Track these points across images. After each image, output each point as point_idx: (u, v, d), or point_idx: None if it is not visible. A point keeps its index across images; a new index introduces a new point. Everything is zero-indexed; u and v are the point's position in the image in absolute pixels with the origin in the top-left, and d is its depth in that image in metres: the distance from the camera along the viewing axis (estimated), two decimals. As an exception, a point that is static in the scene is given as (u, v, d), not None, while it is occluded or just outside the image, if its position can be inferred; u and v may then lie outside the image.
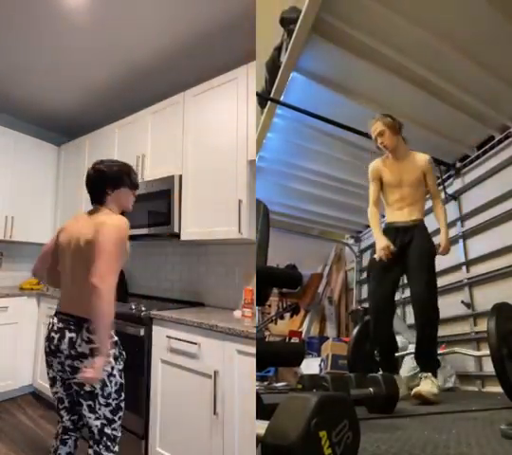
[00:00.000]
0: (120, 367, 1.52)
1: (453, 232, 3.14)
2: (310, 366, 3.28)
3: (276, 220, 4.16)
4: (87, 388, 1.43)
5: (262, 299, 1.28)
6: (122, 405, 1.53)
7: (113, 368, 1.48)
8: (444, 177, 3.23)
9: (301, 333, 4.08)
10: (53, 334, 1.50)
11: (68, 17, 2.31)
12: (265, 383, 3.37)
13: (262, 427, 0.78)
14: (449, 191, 3.19)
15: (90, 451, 1.49)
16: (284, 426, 0.74)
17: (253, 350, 1.61)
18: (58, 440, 1.60)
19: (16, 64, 2.84)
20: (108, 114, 3.42)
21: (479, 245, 2.90)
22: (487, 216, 2.80)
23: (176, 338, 1.96)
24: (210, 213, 2.32)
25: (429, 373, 1.96)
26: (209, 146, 2.40)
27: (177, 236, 2.47)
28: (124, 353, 1.56)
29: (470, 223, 2.98)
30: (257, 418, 1.09)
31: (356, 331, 2.53)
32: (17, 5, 2.20)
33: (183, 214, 2.46)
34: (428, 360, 2.03)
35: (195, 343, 1.86)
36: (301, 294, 4.89)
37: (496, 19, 2.02)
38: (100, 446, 1.48)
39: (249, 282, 2.43)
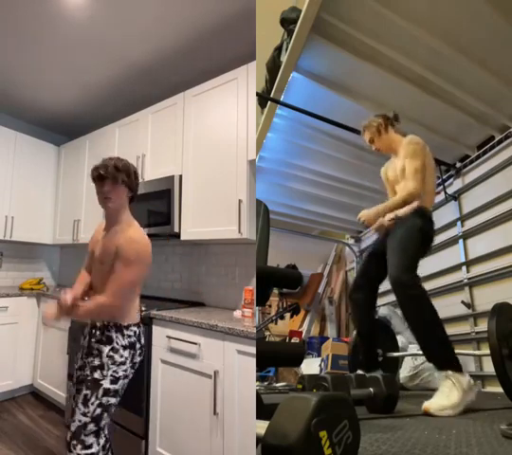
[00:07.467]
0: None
1: (453, 232, 3.15)
2: (310, 366, 3.28)
3: (276, 220, 4.16)
4: None
5: (262, 299, 1.27)
6: None
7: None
8: (444, 177, 3.24)
9: (301, 333, 4.09)
10: None
11: (68, 17, 2.31)
12: (265, 383, 3.37)
13: (262, 427, 0.77)
14: (449, 191, 3.19)
15: None
16: (284, 426, 0.74)
17: (253, 350, 1.61)
18: None
19: (16, 64, 2.84)
20: (108, 114, 3.42)
21: (479, 246, 2.90)
22: (487, 216, 2.80)
23: (176, 338, 1.95)
24: (210, 213, 2.32)
25: (449, 372, 1.55)
26: (209, 146, 2.40)
27: (177, 236, 2.47)
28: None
29: (470, 223, 2.98)
30: (257, 418, 1.09)
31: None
32: (17, 4, 2.21)
33: (183, 214, 2.46)
34: (435, 356, 1.63)
35: (195, 343, 1.86)
36: (301, 294, 4.89)
37: (496, 19, 2.02)
38: None
39: (249, 282, 2.43)
